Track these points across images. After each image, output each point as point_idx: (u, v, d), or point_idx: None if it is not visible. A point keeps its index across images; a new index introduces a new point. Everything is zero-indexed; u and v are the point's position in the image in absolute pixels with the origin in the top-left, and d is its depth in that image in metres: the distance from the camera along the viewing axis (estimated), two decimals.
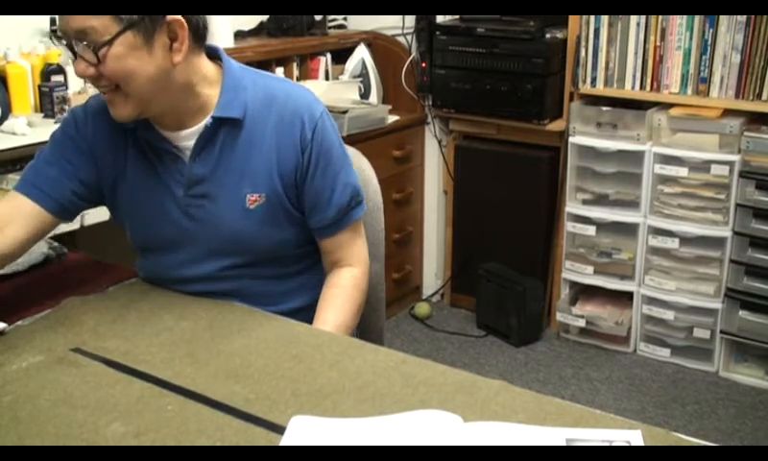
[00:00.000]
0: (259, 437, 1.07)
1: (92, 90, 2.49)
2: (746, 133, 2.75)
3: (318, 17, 3.33)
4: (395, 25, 3.41)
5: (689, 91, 2.90)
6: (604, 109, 3.02)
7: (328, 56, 3.33)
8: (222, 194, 1.45)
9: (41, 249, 1.66)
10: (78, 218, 2.03)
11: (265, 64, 2.97)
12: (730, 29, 2.78)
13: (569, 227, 3.17)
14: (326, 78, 3.31)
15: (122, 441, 1.06)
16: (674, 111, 2.88)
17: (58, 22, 1.32)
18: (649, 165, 2.93)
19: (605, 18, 3.00)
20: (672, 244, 2.96)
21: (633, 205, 3.02)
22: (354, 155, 1.66)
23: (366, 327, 1.70)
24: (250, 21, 3.27)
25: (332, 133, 1.49)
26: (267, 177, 1.44)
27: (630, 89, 3.01)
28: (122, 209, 1.52)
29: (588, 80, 3.07)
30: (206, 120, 1.42)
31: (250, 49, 2.99)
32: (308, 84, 3.06)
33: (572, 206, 3.14)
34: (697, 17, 2.84)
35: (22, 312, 1.41)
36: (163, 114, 1.41)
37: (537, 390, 1.20)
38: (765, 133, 2.74)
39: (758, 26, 2.73)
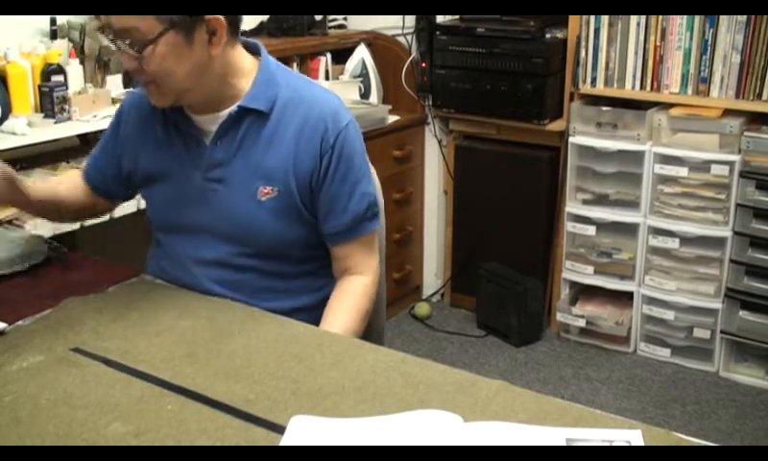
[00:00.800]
0: (259, 437, 1.07)
1: (92, 90, 2.51)
2: (746, 133, 2.75)
3: (318, 17, 3.33)
4: (395, 25, 3.41)
5: (689, 91, 2.90)
6: (604, 109, 3.02)
7: (328, 56, 3.33)
8: (236, 181, 1.48)
9: (41, 249, 1.66)
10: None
11: None
12: (730, 29, 2.78)
13: (569, 227, 3.17)
14: (326, 78, 3.31)
15: (122, 441, 1.06)
16: (674, 111, 2.88)
17: (102, 18, 1.38)
18: (649, 165, 2.93)
19: (605, 18, 3.00)
20: (672, 244, 2.96)
21: (633, 205, 3.02)
22: None
23: (366, 327, 1.70)
24: (250, 21, 3.27)
25: (356, 143, 1.51)
26: (282, 173, 1.47)
27: (630, 89, 3.01)
28: (145, 189, 1.59)
29: (589, 80, 3.07)
30: (232, 108, 1.46)
31: None
32: None
33: (572, 206, 3.14)
34: (697, 17, 2.84)
35: (22, 312, 1.41)
36: (194, 101, 1.47)
37: (537, 390, 1.20)
38: (765, 133, 2.74)
39: (758, 26, 2.73)
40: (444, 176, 3.54)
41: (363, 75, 3.35)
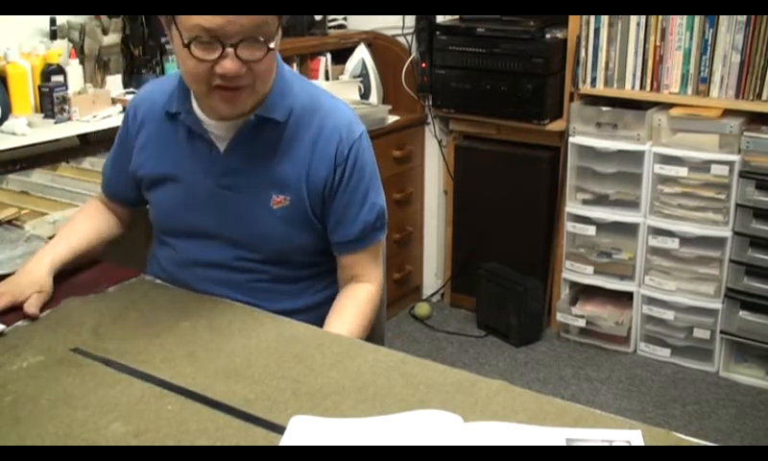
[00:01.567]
0: (259, 437, 1.07)
1: (92, 91, 2.51)
2: (746, 133, 2.75)
3: (318, 17, 3.33)
4: (395, 25, 3.41)
5: (689, 91, 2.90)
6: (604, 109, 3.02)
7: (328, 56, 3.33)
8: (249, 189, 1.48)
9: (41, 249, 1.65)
10: None
11: None
12: (730, 29, 2.78)
13: (569, 227, 3.17)
14: (326, 78, 3.31)
15: (122, 441, 1.06)
16: (674, 111, 2.88)
17: (208, 24, 1.29)
18: (649, 165, 2.93)
19: (605, 18, 3.00)
20: (672, 244, 2.96)
21: (633, 205, 3.02)
22: None
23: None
24: None
25: (368, 155, 1.52)
26: (295, 183, 1.47)
27: (630, 89, 3.01)
28: (152, 191, 1.57)
29: (588, 80, 3.07)
30: (249, 116, 1.45)
31: None
32: None
33: (572, 206, 3.14)
34: (697, 17, 2.84)
35: (22, 312, 1.41)
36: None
37: (537, 390, 1.20)
38: (765, 133, 2.74)
39: (758, 26, 2.73)
40: (443, 176, 3.54)
41: (363, 75, 3.35)
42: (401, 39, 3.42)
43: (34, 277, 1.47)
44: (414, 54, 3.40)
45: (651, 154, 2.91)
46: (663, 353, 3.08)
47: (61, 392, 1.17)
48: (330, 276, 1.59)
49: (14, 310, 1.41)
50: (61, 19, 2.56)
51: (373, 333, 1.69)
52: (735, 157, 2.77)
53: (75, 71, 2.52)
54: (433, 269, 3.67)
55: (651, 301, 3.05)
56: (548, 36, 3.11)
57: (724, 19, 2.79)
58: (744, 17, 2.75)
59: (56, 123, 2.39)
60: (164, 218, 1.58)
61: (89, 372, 1.23)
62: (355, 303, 1.53)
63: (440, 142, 3.49)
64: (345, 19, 3.52)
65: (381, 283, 1.60)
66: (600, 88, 3.06)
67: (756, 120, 2.81)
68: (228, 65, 1.31)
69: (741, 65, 2.79)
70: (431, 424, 1.06)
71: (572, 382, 2.98)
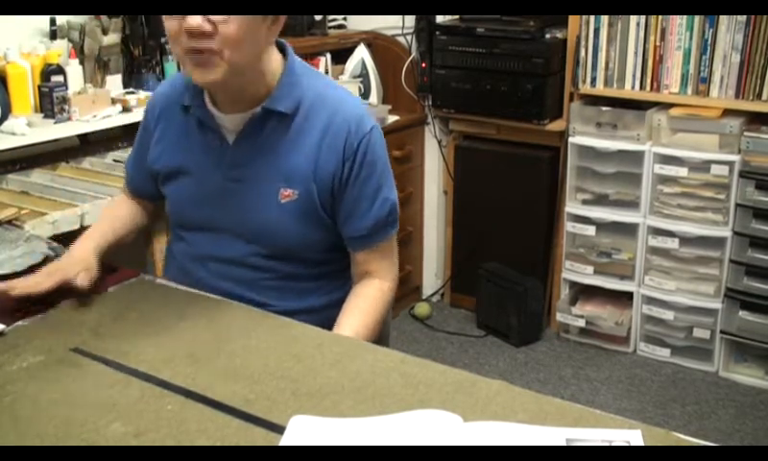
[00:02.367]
0: (259, 437, 1.07)
1: (92, 90, 2.51)
2: (746, 133, 2.75)
3: (318, 17, 3.33)
4: (395, 25, 3.41)
5: (689, 91, 2.90)
6: (604, 109, 3.02)
7: (328, 56, 3.33)
8: (257, 182, 1.48)
9: (41, 249, 1.66)
10: (77, 218, 2.05)
11: None
12: (730, 29, 2.78)
13: (569, 227, 3.17)
14: None
15: (122, 441, 1.06)
16: (674, 111, 2.88)
17: None
18: (649, 165, 2.93)
19: (605, 18, 3.00)
20: (672, 244, 2.96)
21: (633, 205, 3.02)
22: None
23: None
24: None
25: (380, 149, 1.50)
26: (303, 176, 1.46)
27: (630, 89, 3.01)
28: (167, 185, 1.58)
29: (588, 80, 3.07)
30: (257, 108, 1.45)
31: None
32: None
33: (572, 206, 3.14)
34: (697, 17, 2.84)
35: (22, 312, 1.41)
36: (227, 93, 1.45)
37: (537, 390, 1.20)
38: (765, 133, 2.74)
39: (758, 26, 2.73)
40: (443, 176, 3.54)
41: (363, 75, 3.35)
42: (401, 39, 3.42)
43: (80, 257, 1.50)
44: (414, 54, 3.40)
45: (651, 154, 2.92)
46: (663, 353, 3.08)
47: (61, 392, 1.17)
48: (341, 277, 1.58)
49: (15, 310, 1.41)
50: (61, 19, 2.56)
51: (382, 338, 1.69)
52: (735, 157, 2.77)
53: (75, 71, 2.52)
54: (433, 269, 3.67)
55: (651, 301, 3.05)
56: (548, 36, 3.11)
57: (724, 19, 2.79)
58: (744, 17, 2.75)
59: (55, 123, 2.39)
60: (178, 212, 1.59)
61: (89, 372, 1.23)
62: (367, 300, 1.53)
63: (440, 142, 3.49)
64: (345, 19, 3.52)
65: (395, 278, 1.59)
66: (600, 88, 3.07)
67: (755, 120, 2.81)
68: (192, 20, 1.30)
69: (741, 65, 2.79)
70: (431, 424, 1.05)
71: (572, 382, 2.98)
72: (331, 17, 3.45)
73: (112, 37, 2.62)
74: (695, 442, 1.04)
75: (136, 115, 2.51)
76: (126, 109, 2.51)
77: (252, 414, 1.11)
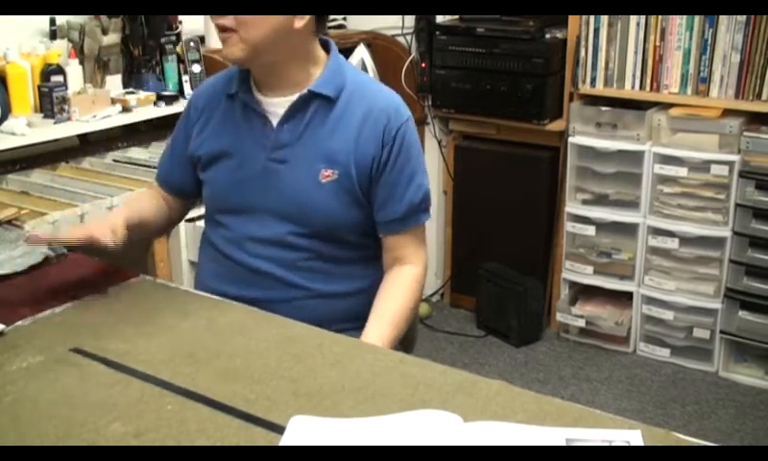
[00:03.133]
0: (259, 437, 1.07)
1: (92, 91, 2.51)
2: (746, 133, 2.75)
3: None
4: (394, 25, 3.40)
5: (689, 91, 2.90)
6: (604, 109, 3.02)
7: None
8: (299, 163, 1.54)
9: (41, 249, 1.66)
10: (77, 218, 2.05)
11: None
12: (730, 29, 2.78)
13: (569, 227, 3.17)
14: None
15: (122, 441, 1.06)
16: (674, 111, 2.88)
17: None
18: (649, 165, 2.93)
19: (605, 18, 3.00)
20: (672, 244, 2.96)
21: (632, 205, 3.02)
22: None
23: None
24: None
25: (414, 138, 1.59)
26: (344, 157, 1.53)
27: (630, 89, 3.01)
28: (209, 169, 1.61)
29: (588, 80, 3.07)
30: (303, 91, 1.53)
31: None
32: None
33: (572, 206, 3.14)
34: (697, 17, 2.84)
35: (22, 312, 1.41)
36: (266, 74, 1.54)
37: (537, 390, 1.20)
38: (765, 133, 2.74)
39: (758, 26, 2.73)
40: (443, 176, 3.54)
41: None
42: (401, 39, 3.42)
43: (108, 220, 1.54)
44: (413, 54, 3.40)
45: (651, 154, 2.91)
46: (663, 353, 3.08)
47: (61, 392, 1.17)
48: (372, 265, 1.63)
49: (15, 310, 1.41)
50: (61, 19, 2.56)
51: (405, 339, 1.70)
52: (735, 157, 2.77)
53: (75, 71, 2.51)
54: (433, 269, 3.66)
55: (651, 301, 3.05)
56: (548, 36, 3.11)
57: (724, 19, 2.79)
58: (744, 17, 2.75)
59: (55, 123, 2.39)
60: (218, 195, 1.62)
61: (89, 372, 1.23)
62: (402, 283, 1.58)
63: (439, 142, 3.49)
64: (344, 19, 3.52)
65: (426, 266, 1.64)
66: (600, 88, 3.07)
67: (755, 120, 2.81)
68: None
69: (741, 65, 2.79)
70: (431, 424, 1.06)
71: (572, 382, 2.98)
72: (331, 17, 3.45)
73: (112, 37, 2.62)
74: (695, 442, 1.05)
75: (136, 115, 2.51)
76: (126, 110, 2.51)
77: (252, 414, 1.11)
